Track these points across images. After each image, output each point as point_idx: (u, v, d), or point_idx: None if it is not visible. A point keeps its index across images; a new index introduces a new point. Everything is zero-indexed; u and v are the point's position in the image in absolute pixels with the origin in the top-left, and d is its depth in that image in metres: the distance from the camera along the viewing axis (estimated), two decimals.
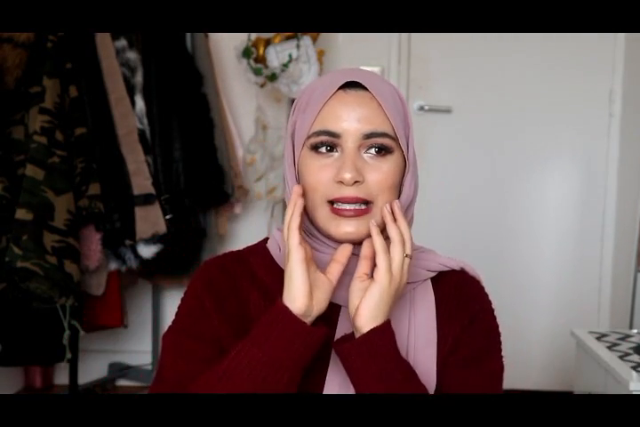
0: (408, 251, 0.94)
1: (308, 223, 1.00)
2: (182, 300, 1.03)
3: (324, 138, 0.96)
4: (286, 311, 0.90)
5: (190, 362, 0.96)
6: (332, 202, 0.95)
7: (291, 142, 1.00)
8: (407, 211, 1.02)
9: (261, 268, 1.03)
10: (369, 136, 0.95)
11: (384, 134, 0.96)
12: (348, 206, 0.95)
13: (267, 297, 1.01)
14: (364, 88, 0.97)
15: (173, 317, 1.03)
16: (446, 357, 0.99)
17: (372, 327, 0.91)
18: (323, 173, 0.95)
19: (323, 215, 0.96)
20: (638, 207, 2.52)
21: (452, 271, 1.05)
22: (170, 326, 1.02)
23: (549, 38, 2.77)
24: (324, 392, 0.96)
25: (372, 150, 0.96)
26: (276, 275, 0.99)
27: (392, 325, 0.94)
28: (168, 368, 0.98)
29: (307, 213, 0.98)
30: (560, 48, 2.83)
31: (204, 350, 0.97)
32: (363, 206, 0.95)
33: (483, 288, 1.06)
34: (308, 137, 0.97)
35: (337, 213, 0.95)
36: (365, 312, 0.91)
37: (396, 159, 0.97)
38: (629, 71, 2.79)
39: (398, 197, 0.99)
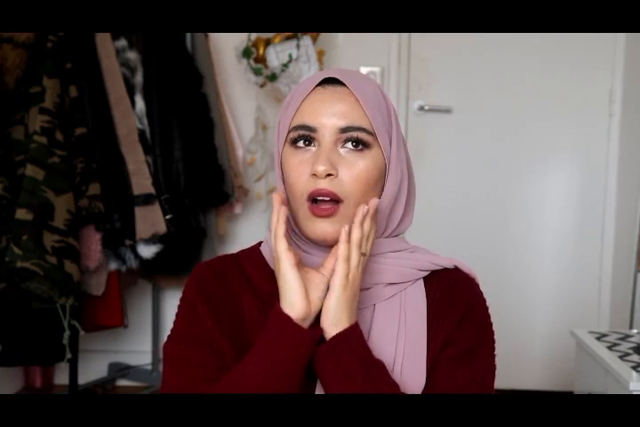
0: (363, 249, 0.95)
1: (294, 224, 1.01)
2: (178, 306, 1.04)
3: (301, 132, 0.97)
4: (286, 320, 0.91)
5: (190, 368, 0.97)
6: (310, 200, 0.96)
7: (277, 139, 1.02)
8: (395, 208, 1.01)
9: (254, 271, 1.03)
10: (345, 130, 0.96)
11: (360, 128, 0.96)
12: (325, 205, 0.95)
13: (260, 299, 1.01)
14: (343, 85, 0.97)
15: (172, 322, 1.04)
16: (437, 355, 0.99)
17: (334, 333, 0.92)
18: (301, 169, 0.96)
19: (301, 214, 0.97)
20: (638, 207, 2.52)
21: (446, 270, 1.04)
22: (168, 335, 1.03)
23: (549, 38, 2.77)
24: (317, 391, 0.96)
25: (349, 144, 0.96)
26: (270, 277, 1.00)
27: (381, 325, 0.96)
28: (171, 378, 0.99)
29: (291, 213, 1.00)
30: (560, 48, 2.83)
31: (202, 355, 0.97)
32: (335, 205, 0.95)
33: (477, 286, 1.06)
34: (288, 132, 0.98)
35: (315, 213, 0.95)
36: (325, 322, 0.93)
37: (373, 156, 0.97)
38: (629, 71, 2.79)
39: (380, 195, 0.99)
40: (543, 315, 2.91)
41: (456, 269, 1.05)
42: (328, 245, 0.98)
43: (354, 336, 0.93)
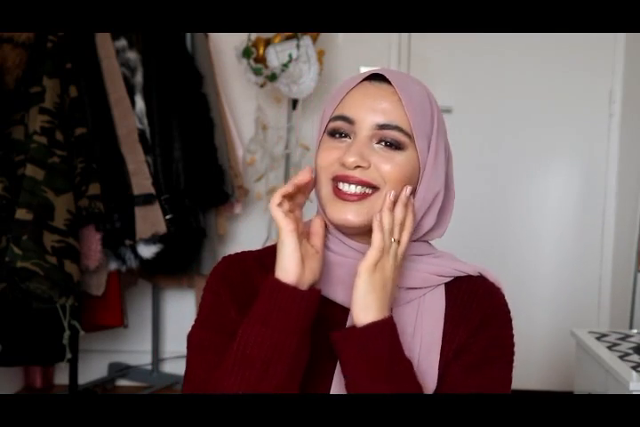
0: (395, 236, 0.94)
1: (319, 205, 1.00)
2: (202, 297, 1.05)
3: (339, 123, 0.97)
4: (278, 283, 0.91)
5: (214, 354, 0.97)
6: (336, 181, 0.96)
7: (318, 129, 1.02)
8: (426, 216, 1.00)
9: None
10: (382, 127, 0.95)
11: (397, 128, 0.95)
12: (352, 190, 0.95)
13: None
14: (390, 84, 0.97)
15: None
16: (450, 361, 0.98)
17: (365, 320, 0.91)
18: (331, 154, 0.97)
19: (325, 194, 0.97)
20: (638, 207, 2.52)
21: (470, 277, 1.03)
22: (193, 325, 1.03)
23: (549, 38, 2.77)
24: (331, 392, 0.96)
25: (383, 143, 0.96)
26: None
27: (398, 328, 0.94)
28: (195, 365, 0.99)
29: (316, 195, 1.00)
30: (560, 48, 2.83)
31: (226, 343, 0.97)
32: (368, 190, 0.95)
33: (502, 296, 1.04)
34: (329, 121, 0.99)
35: (339, 195, 0.95)
36: (355, 306, 0.92)
37: (408, 156, 0.96)
38: (629, 71, 2.80)
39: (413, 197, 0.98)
40: (543, 315, 2.91)
41: (482, 278, 1.04)
42: (349, 231, 0.98)
43: (387, 330, 0.92)
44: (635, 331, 2.16)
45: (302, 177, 0.94)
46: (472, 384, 0.96)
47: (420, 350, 0.97)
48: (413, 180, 0.98)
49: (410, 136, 0.96)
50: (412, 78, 1.02)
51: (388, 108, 0.96)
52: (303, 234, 0.94)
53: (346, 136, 0.97)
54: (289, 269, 0.92)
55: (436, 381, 0.96)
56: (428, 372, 0.96)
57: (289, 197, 0.94)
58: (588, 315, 2.88)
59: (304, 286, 0.92)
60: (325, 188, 0.97)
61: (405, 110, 0.96)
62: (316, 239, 0.96)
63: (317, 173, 0.98)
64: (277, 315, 0.90)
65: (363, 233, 0.97)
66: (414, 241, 1.01)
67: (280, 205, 0.93)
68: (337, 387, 0.96)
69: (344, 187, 0.95)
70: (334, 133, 0.98)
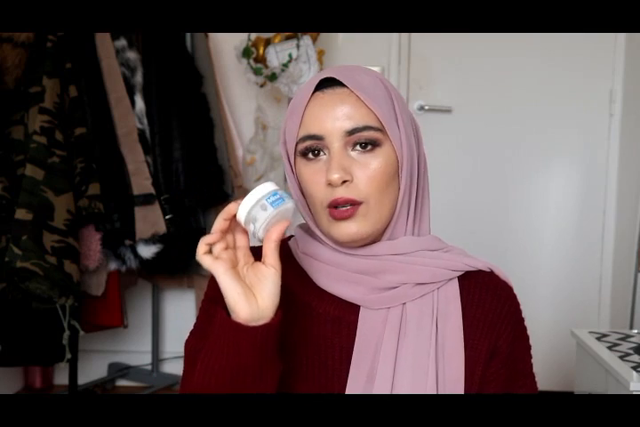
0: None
1: (319, 231, 0.99)
2: (202, 301, 1.04)
3: (309, 143, 0.95)
4: (226, 321, 0.87)
5: None
6: (330, 207, 0.95)
7: (285, 150, 1.00)
8: (410, 202, 1.00)
9: (282, 265, 1.01)
10: (351, 133, 0.94)
11: (367, 128, 0.94)
12: (344, 208, 0.94)
13: (285, 293, 1.00)
14: (341, 85, 0.95)
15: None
16: (485, 365, 0.98)
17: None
18: (316, 179, 0.95)
19: (324, 221, 0.96)
20: (638, 207, 2.52)
21: (481, 272, 1.02)
22: (190, 332, 1.02)
23: (549, 38, 2.77)
24: (347, 392, 0.95)
25: (359, 146, 0.94)
26: (295, 272, 1.00)
27: (415, 326, 0.96)
28: (188, 372, 0.97)
29: (315, 221, 0.99)
30: (560, 48, 2.83)
31: None
32: (356, 204, 0.94)
33: (515, 296, 1.03)
34: (297, 144, 0.97)
35: (337, 217, 0.94)
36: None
37: (385, 152, 0.95)
38: (629, 71, 2.79)
39: (398, 189, 0.98)
40: (543, 315, 2.90)
41: (491, 273, 1.03)
42: (357, 246, 0.97)
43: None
44: (635, 331, 2.16)
45: (226, 216, 0.87)
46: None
47: (444, 349, 0.96)
48: (397, 173, 0.97)
49: (381, 129, 0.95)
50: (359, 69, 1.00)
51: (350, 112, 0.94)
52: (249, 262, 0.89)
53: (319, 152, 0.95)
54: (236, 310, 0.86)
55: (462, 375, 0.95)
56: (455, 368, 0.95)
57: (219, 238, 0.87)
58: (589, 315, 2.88)
59: (262, 318, 0.87)
60: (322, 216, 0.96)
61: (368, 106, 0.94)
62: (270, 258, 0.88)
63: (310, 200, 0.97)
64: (231, 351, 0.87)
65: (362, 243, 0.97)
66: (416, 236, 1.01)
67: (207, 252, 0.87)
68: (352, 387, 0.95)
69: (338, 208, 0.94)
70: (307, 153, 0.96)
